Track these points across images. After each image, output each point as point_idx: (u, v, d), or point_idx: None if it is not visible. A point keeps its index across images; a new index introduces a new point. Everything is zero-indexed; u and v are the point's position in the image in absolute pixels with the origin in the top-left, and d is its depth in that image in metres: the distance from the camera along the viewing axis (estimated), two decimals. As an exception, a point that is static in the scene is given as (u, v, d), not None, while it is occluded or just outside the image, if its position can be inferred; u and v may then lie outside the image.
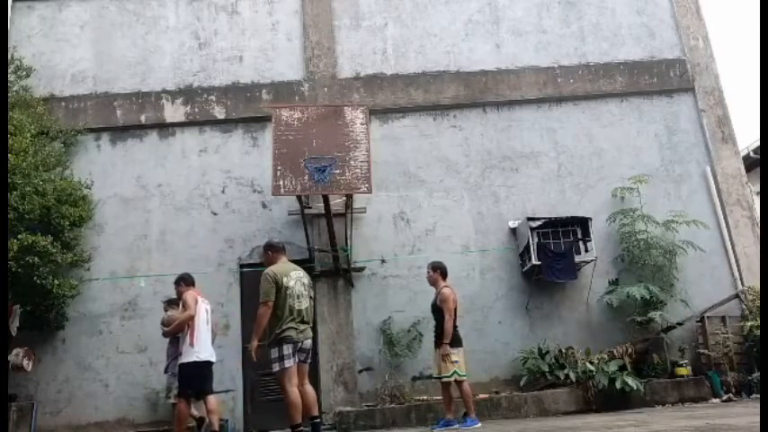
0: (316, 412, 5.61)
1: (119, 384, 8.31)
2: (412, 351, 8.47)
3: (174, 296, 7.41)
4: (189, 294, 6.58)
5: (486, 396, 7.98)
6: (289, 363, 5.39)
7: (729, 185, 9.45)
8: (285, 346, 5.41)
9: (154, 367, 8.10)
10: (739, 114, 26.08)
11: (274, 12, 10.12)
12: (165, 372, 7.07)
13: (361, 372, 8.57)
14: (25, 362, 7.76)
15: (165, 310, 7.35)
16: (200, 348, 6.41)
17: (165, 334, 6.60)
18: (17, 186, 7.41)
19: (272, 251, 5.93)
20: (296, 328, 5.49)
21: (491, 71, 9.88)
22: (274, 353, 5.43)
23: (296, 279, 5.66)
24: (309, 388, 5.62)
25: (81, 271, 8.55)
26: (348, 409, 8.03)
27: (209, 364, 6.51)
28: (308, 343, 5.62)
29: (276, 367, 5.41)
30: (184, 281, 6.82)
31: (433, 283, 7.05)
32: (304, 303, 5.63)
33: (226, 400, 8.37)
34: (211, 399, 6.51)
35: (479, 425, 6.61)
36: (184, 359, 6.35)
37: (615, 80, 9.88)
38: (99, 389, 8.28)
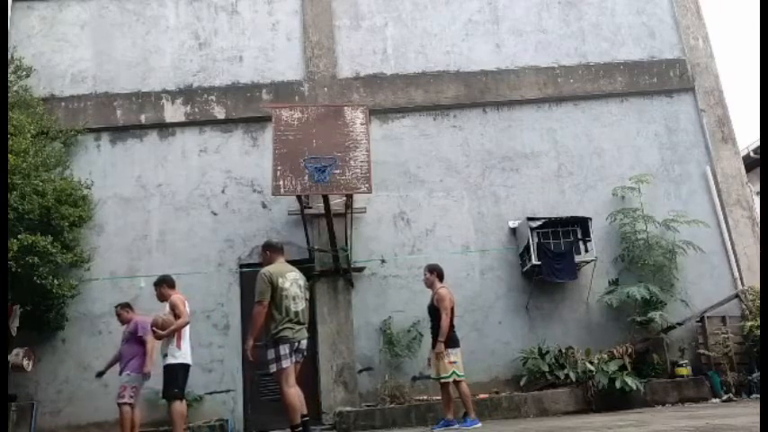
0: (305, 410, 5.61)
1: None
2: (412, 351, 8.47)
3: (128, 300, 7.61)
4: (178, 299, 6.61)
5: (486, 396, 7.98)
6: (286, 363, 5.38)
7: (729, 185, 9.45)
8: (282, 347, 5.39)
9: (153, 367, 8.08)
10: (739, 114, 26.09)
11: (274, 12, 10.12)
12: (121, 374, 6.94)
13: (361, 372, 8.57)
14: (25, 362, 7.75)
15: (118, 315, 7.28)
16: (186, 351, 6.56)
17: (158, 337, 6.58)
18: (17, 187, 7.41)
19: (270, 251, 5.90)
20: (292, 329, 5.47)
21: (491, 71, 9.88)
22: (271, 354, 5.41)
23: (291, 281, 5.64)
24: (297, 388, 5.63)
25: (81, 271, 8.55)
26: (348, 409, 8.03)
27: (189, 366, 6.62)
28: (304, 343, 5.61)
29: (273, 368, 5.40)
30: (167, 283, 6.80)
31: (429, 285, 7.07)
32: (300, 305, 5.61)
33: (226, 400, 8.39)
34: (183, 404, 6.56)
35: (479, 425, 6.61)
36: (171, 360, 6.43)
37: (615, 80, 9.89)
38: (99, 389, 8.24)
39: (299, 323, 5.56)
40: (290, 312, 5.50)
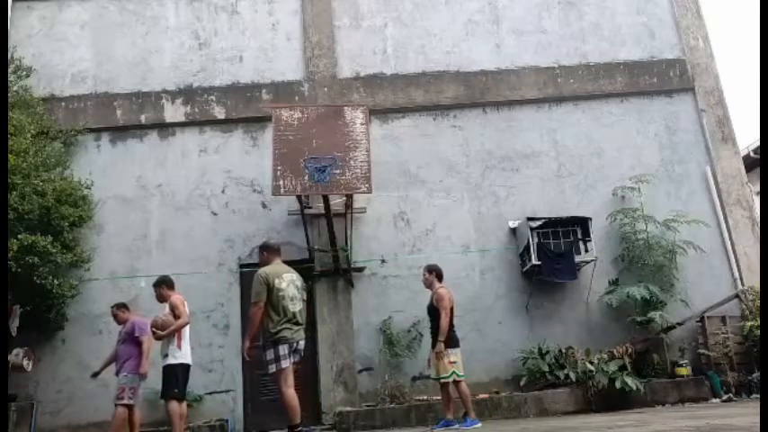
0: None
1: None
2: (412, 351, 8.47)
3: (124, 300, 7.53)
4: (178, 299, 6.63)
5: (486, 396, 7.98)
6: (285, 363, 5.42)
7: (729, 185, 9.45)
8: (281, 347, 5.43)
9: (153, 367, 8.05)
10: (739, 114, 26.11)
11: (274, 12, 10.12)
12: (117, 374, 6.87)
13: (361, 372, 8.57)
14: (25, 362, 7.75)
15: (115, 315, 7.25)
16: (186, 352, 6.59)
17: (158, 337, 6.58)
18: (17, 187, 7.41)
19: (267, 252, 5.94)
20: (290, 329, 5.51)
21: (491, 71, 9.88)
22: (270, 354, 5.43)
23: (288, 281, 5.67)
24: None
25: (81, 271, 8.56)
26: (348, 409, 8.03)
27: (189, 367, 6.65)
28: (302, 344, 5.66)
29: (273, 368, 5.42)
30: (166, 284, 6.81)
31: (428, 285, 7.07)
32: (297, 306, 5.65)
33: (226, 400, 8.40)
34: (183, 404, 6.62)
35: (479, 425, 6.61)
36: (172, 360, 6.46)
37: (615, 80, 9.88)
38: (99, 389, 8.23)
39: (297, 324, 5.59)
40: (288, 313, 5.53)
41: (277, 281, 5.57)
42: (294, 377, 5.59)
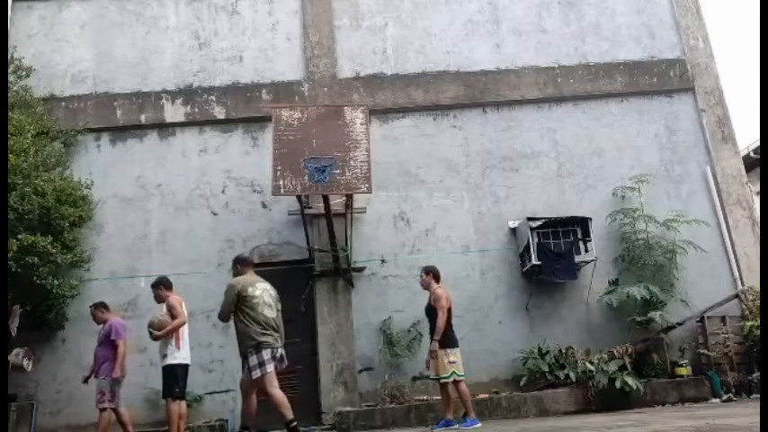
0: (251, 421, 5.84)
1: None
2: (412, 351, 8.47)
3: (104, 300, 7.46)
4: (175, 300, 6.66)
5: (486, 396, 7.99)
6: (270, 367, 5.62)
7: (729, 185, 9.45)
8: (264, 352, 5.63)
9: (154, 367, 8.07)
10: (739, 114, 26.10)
11: (274, 12, 10.12)
12: (96, 376, 6.87)
13: (361, 372, 8.57)
14: (25, 362, 7.75)
15: (93, 315, 7.19)
16: (186, 352, 6.64)
17: (155, 338, 6.59)
18: (17, 187, 7.41)
19: (240, 265, 6.18)
20: (272, 335, 5.74)
21: (491, 71, 9.88)
22: (254, 360, 5.61)
23: (262, 290, 5.89)
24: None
25: (81, 271, 8.55)
26: (348, 409, 8.03)
27: (188, 366, 6.69)
28: (281, 351, 5.83)
29: (258, 373, 5.59)
30: (164, 284, 6.82)
31: (426, 286, 7.09)
32: (273, 313, 5.85)
33: (226, 400, 8.39)
34: (182, 404, 6.65)
35: (479, 425, 6.62)
36: (171, 360, 6.50)
37: (615, 80, 9.88)
38: (99, 389, 8.26)
39: (275, 330, 5.80)
40: (266, 319, 5.73)
41: (250, 289, 5.79)
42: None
